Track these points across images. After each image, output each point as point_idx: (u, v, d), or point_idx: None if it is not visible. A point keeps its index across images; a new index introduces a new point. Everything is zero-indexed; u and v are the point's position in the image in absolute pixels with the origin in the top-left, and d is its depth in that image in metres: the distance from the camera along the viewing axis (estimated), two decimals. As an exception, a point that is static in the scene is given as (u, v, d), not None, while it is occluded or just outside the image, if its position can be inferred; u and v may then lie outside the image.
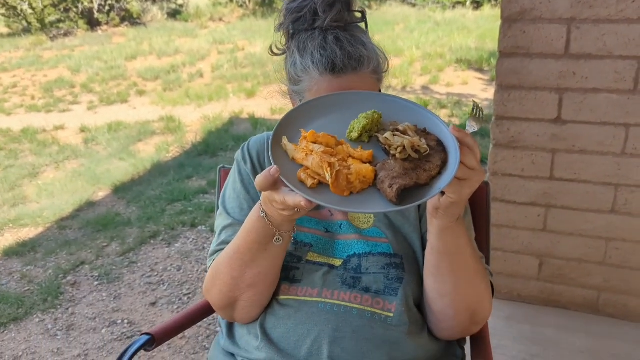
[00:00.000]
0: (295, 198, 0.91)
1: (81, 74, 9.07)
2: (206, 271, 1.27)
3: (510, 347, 2.32)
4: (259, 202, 1.06)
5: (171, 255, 3.53)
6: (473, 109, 1.10)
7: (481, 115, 1.10)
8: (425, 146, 0.96)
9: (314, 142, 0.99)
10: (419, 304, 1.22)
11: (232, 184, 1.32)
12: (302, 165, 0.97)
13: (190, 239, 3.71)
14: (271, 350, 1.16)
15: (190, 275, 3.28)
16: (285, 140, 1.01)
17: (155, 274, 3.33)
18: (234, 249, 1.14)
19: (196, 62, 9.29)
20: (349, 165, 0.95)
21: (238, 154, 1.34)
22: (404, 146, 0.96)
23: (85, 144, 6.00)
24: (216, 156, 5.31)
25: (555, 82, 2.17)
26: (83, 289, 3.23)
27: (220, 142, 5.63)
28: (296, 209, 0.96)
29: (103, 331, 2.85)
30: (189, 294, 3.10)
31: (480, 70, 7.92)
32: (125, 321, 2.91)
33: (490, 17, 11.04)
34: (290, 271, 1.22)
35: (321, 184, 0.95)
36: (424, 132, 1.01)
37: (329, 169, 0.93)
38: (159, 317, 2.92)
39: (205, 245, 3.61)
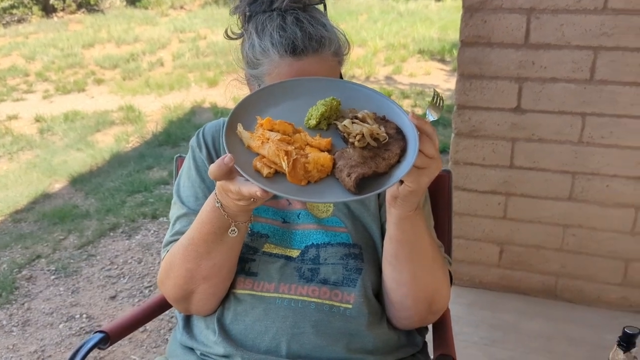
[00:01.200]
0: (251, 188, 0.89)
1: (36, 62, 8.75)
2: (160, 263, 1.24)
3: (471, 333, 2.36)
4: (214, 191, 1.03)
5: (132, 247, 3.46)
6: (433, 97, 1.09)
7: (441, 104, 1.09)
8: (384, 134, 0.95)
9: (271, 130, 0.97)
10: (378, 294, 1.21)
11: (186, 171, 1.27)
12: (258, 154, 0.94)
13: (152, 231, 3.64)
14: (229, 346, 1.14)
15: (152, 268, 3.22)
16: (240, 128, 0.98)
17: (115, 267, 3.26)
18: (188, 240, 1.11)
19: (156, 51, 9.08)
20: (307, 154, 0.93)
21: (193, 141, 1.30)
22: (363, 134, 0.95)
23: (40, 134, 5.80)
24: (177, 146, 5.22)
25: (515, 72, 2.19)
26: (39, 283, 3.13)
27: (181, 132, 5.53)
28: (252, 199, 0.94)
29: (60, 326, 2.76)
30: (150, 286, 3.04)
31: (442, 60, 8.00)
32: (84, 316, 2.83)
33: (452, 8, 11.14)
34: (246, 263, 1.19)
35: (278, 173, 0.92)
36: (383, 120, 1.00)
37: (285, 158, 0.91)
38: (119, 310, 2.85)
39: (167, 237, 3.54)
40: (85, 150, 5.21)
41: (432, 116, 1.06)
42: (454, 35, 8.62)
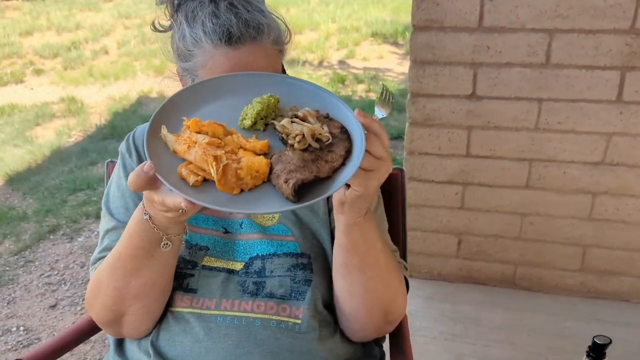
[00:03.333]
0: (175, 199, 0.78)
1: (-31, 52, 8.23)
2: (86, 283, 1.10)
3: (431, 328, 2.29)
4: (142, 202, 0.91)
5: (74, 250, 3.24)
6: (381, 92, 0.99)
7: (390, 99, 1.00)
8: (327, 134, 0.85)
9: (198, 132, 0.85)
10: (329, 305, 1.11)
11: (116, 180, 1.15)
12: (184, 160, 0.83)
13: (95, 232, 3.43)
14: None
15: (95, 272, 3.03)
16: (164, 131, 0.86)
17: (56, 272, 3.04)
18: (115, 256, 0.99)
19: (100, 38, 8.66)
20: (239, 158, 0.82)
21: (122, 146, 1.17)
22: (303, 134, 0.84)
23: (-26, 130, 5.44)
24: (123, 139, 4.95)
25: (470, 57, 2.10)
26: (-29, 294, 2.90)
27: (127, 124, 5.26)
28: (180, 211, 0.83)
29: (-5, 341, 2.56)
30: (94, 292, 2.85)
31: (395, 44, 7.92)
32: (21, 328, 2.63)
33: (404, -10, 11.09)
34: (184, 279, 1.07)
35: (207, 181, 0.81)
36: (326, 119, 0.89)
37: (214, 164, 0.80)
38: (60, 320, 2.66)
39: (112, 238, 3.34)
40: (24, 146, 4.90)
41: (381, 113, 0.97)
42: (405, 17, 8.55)
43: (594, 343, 0.98)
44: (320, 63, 7.24)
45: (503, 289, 2.48)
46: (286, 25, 1.11)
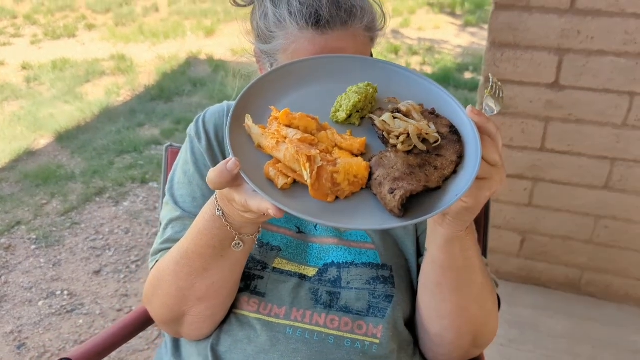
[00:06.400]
0: (261, 203, 0.68)
1: (25, 3, 8.28)
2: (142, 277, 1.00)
3: (487, 330, 2.15)
4: (214, 195, 0.81)
5: (119, 215, 3.21)
6: (491, 85, 0.84)
7: (501, 94, 0.85)
8: (436, 134, 0.73)
9: (288, 126, 0.74)
10: (409, 324, 1.00)
11: (182, 165, 1.05)
12: (271, 157, 0.72)
13: (140, 197, 3.39)
14: None
15: (140, 240, 2.99)
16: (249, 121, 0.75)
17: (101, 237, 3.02)
18: (181, 252, 0.89)
19: (152, -6, 8.60)
20: (335, 159, 0.71)
21: (191, 128, 1.07)
22: (408, 133, 0.72)
23: (27, 83, 5.46)
24: (171, 101, 4.91)
25: (556, 42, 1.89)
26: (18, 253, 2.90)
27: (175, 85, 5.20)
28: (263, 214, 0.72)
29: (40, 303, 2.56)
30: (138, 261, 2.82)
31: (452, 14, 7.58)
32: (65, 292, 2.62)
33: (465, -44, 10.56)
34: (252, 280, 0.98)
35: (296, 184, 0.70)
36: (432, 115, 0.77)
37: (307, 165, 0.69)
38: (103, 287, 2.64)
39: (157, 205, 3.30)
40: (74, 103, 4.90)
41: (491, 110, 0.83)
42: (466, -14, 8.15)
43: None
44: (385, 31, 6.99)
45: (566, 294, 2.31)
46: (381, 10, 0.97)
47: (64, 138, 4.23)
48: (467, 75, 5.37)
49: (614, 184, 2.05)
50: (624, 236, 2.13)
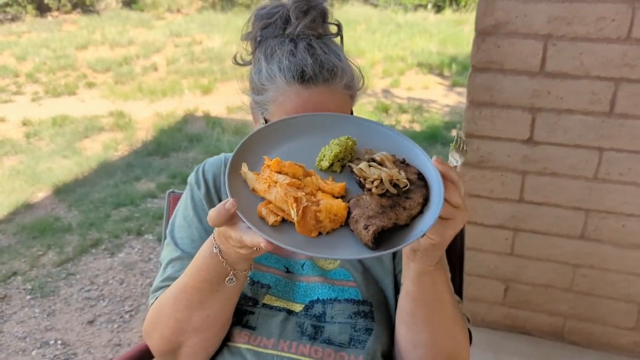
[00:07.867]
0: (254, 238, 0.78)
1: (27, 62, 8.55)
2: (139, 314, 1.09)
3: (473, 377, 2.19)
4: (212, 235, 0.92)
5: (114, 266, 3.28)
6: (456, 140, 0.98)
7: (464, 148, 0.99)
8: (405, 180, 0.84)
9: (279, 172, 0.86)
10: (388, 356, 1.09)
11: (182, 210, 1.17)
12: (263, 199, 0.84)
13: (136, 249, 3.46)
14: None
15: (134, 290, 3.04)
16: (245, 168, 0.87)
17: (95, 287, 3.08)
18: (180, 287, 0.99)
19: (151, 55, 8.91)
20: (318, 201, 0.82)
21: (191, 177, 1.19)
22: (381, 179, 0.84)
23: (26, 138, 5.60)
24: (167, 156, 5.04)
25: (529, 101, 2.05)
26: (14, 303, 2.94)
27: (172, 141, 5.36)
28: (256, 248, 0.83)
29: (33, 353, 2.58)
30: (131, 311, 2.87)
31: (441, 75, 7.87)
32: (59, 342, 2.65)
33: (452, 21, 11.05)
34: (244, 315, 1.07)
35: (285, 222, 0.81)
36: (403, 164, 0.89)
37: (294, 205, 0.80)
38: (97, 337, 2.67)
39: (152, 256, 3.37)
40: (72, 157, 5.03)
41: (455, 161, 0.96)
42: (453, 49, 8.52)
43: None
44: (365, 91, 7.24)
45: (550, 342, 2.37)
46: (360, 72, 1.11)
47: (62, 191, 4.33)
48: (454, 132, 5.57)
49: (590, 233, 2.16)
50: (601, 284, 2.22)
